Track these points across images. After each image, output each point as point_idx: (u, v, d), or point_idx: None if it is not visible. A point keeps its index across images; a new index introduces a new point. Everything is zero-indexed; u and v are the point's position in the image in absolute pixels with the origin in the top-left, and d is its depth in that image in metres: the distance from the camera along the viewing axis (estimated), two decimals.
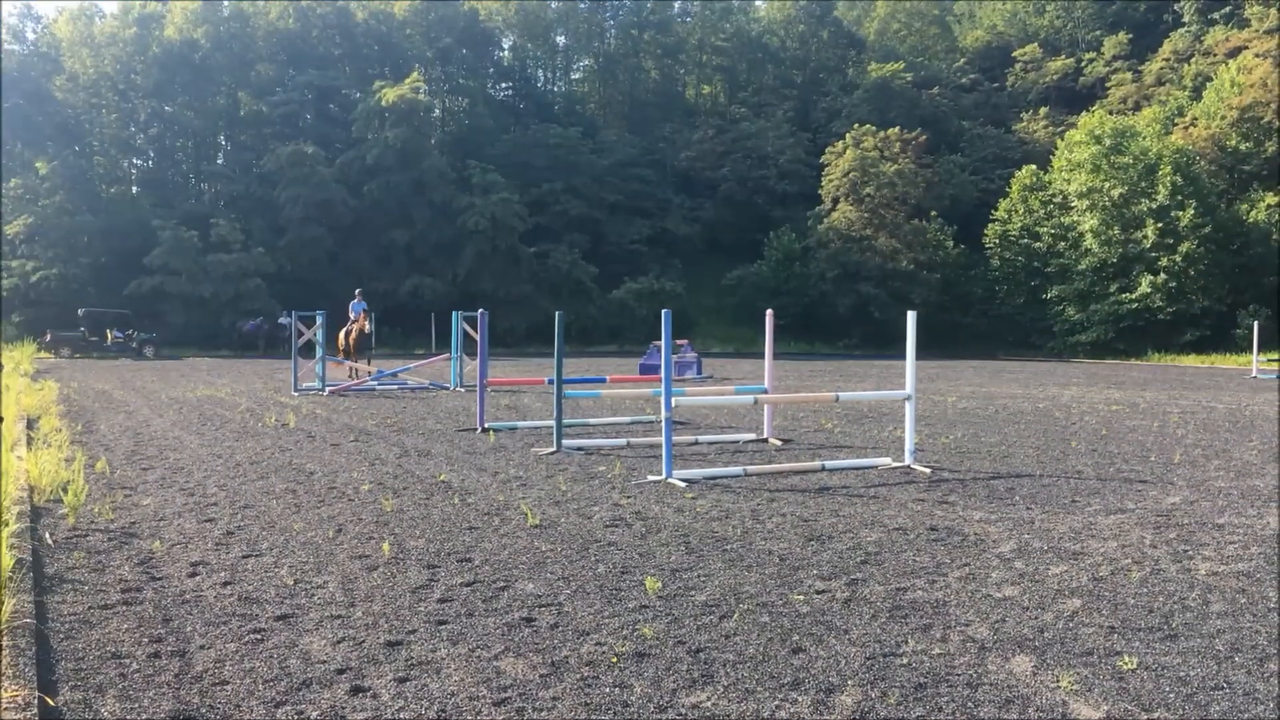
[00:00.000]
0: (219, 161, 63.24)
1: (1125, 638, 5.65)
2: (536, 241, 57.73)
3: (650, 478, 10.99)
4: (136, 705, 4.61)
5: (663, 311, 11.35)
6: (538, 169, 60.82)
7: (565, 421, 14.12)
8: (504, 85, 75.03)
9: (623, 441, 14.02)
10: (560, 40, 77.96)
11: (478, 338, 16.52)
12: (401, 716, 4.49)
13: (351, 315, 26.97)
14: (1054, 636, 5.66)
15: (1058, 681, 4.95)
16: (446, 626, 5.75)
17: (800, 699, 4.71)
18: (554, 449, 13.18)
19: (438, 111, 68.39)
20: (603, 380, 18.77)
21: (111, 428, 15.79)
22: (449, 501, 9.57)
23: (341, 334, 26.90)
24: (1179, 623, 5.94)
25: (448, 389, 24.39)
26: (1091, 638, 5.64)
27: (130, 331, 43.67)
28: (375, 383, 24.39)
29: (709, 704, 4.63)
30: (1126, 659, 5.27)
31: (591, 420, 16.76)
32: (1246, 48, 60.37)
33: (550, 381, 14.42)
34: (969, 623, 5.91)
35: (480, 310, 17.07)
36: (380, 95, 57.67)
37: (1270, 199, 50.82)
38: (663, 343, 11.23)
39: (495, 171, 57.68)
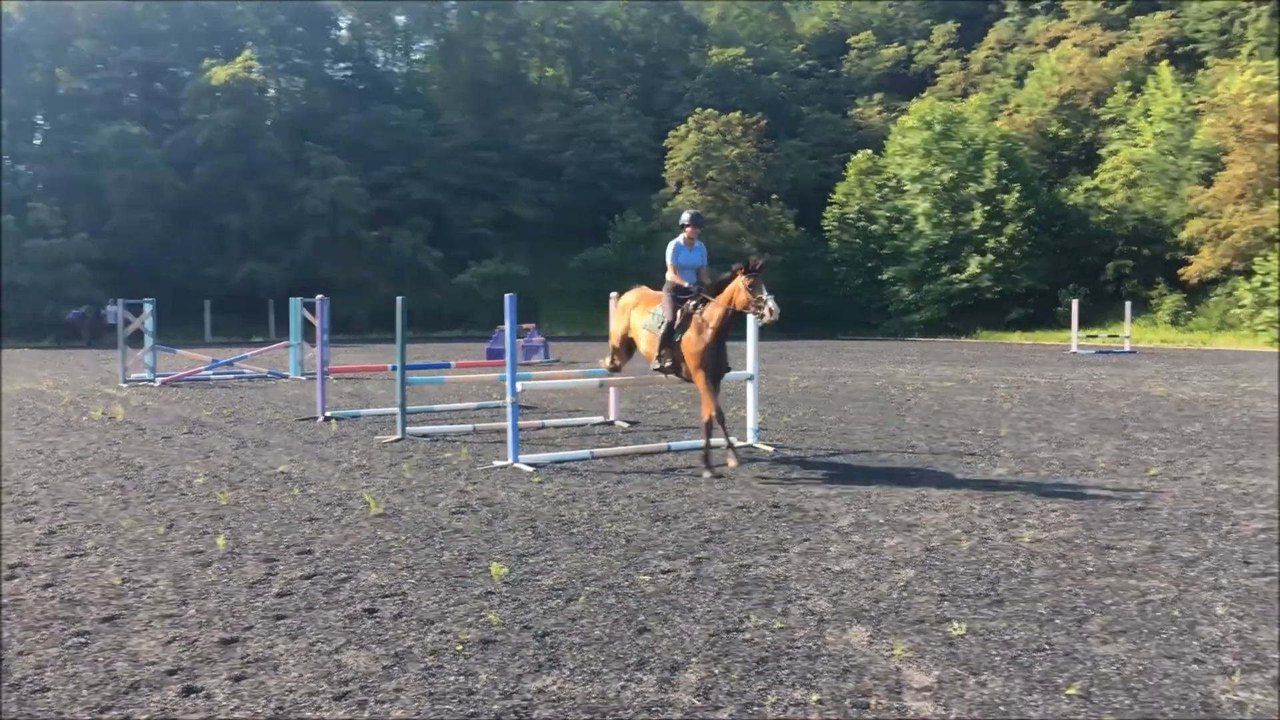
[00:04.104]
0: (36, 142, 59.63)
1: (955, 605, 5.89)
2: (378, 225, 56.46)
3: (497, 463, 10.91)
4: None
5: (506, 296, 11.26)
6: (378, 151, 59.42)
7: (410, 408, 13.89)
8: (342, 65, 72.86)
9: (469, 427, 13.89)
10: (400, 20, 76.23)
11: (317, 324, 16.09)
12: (236, 716, 4.35)
13: None
14: (889, 606, 5.85)
15: (892, 650, 5.12)
16: (285, 621, 5.59)
17: (645, 678, 4.75)
18: (398, 436, 12.95)
19: (272, 91, 65.98)
20: (448, 366, 18.55)
21: None
22: (288, 493, 9.30)
23: None
24: (1005, 588, 6.22)
25: (287, 377, 23.70)
26: (924, 606, 5.86)
27: None
28: (210, 372, 23.50)
29: (555, 688, 4.63)
30: (956, 625, 5.49)
31: (437, 406, 16.54)
32: (1065, 38, 63.37)
33: (393, 368, 14.16)
34: (809, 596, 6.06)
35: (320, 296, 16.62)
36: (210, 74, 55.39)
37: (1088, 183, 53.54)
38: (507, 327, 11.15)
39: (334, 154, 56.11)
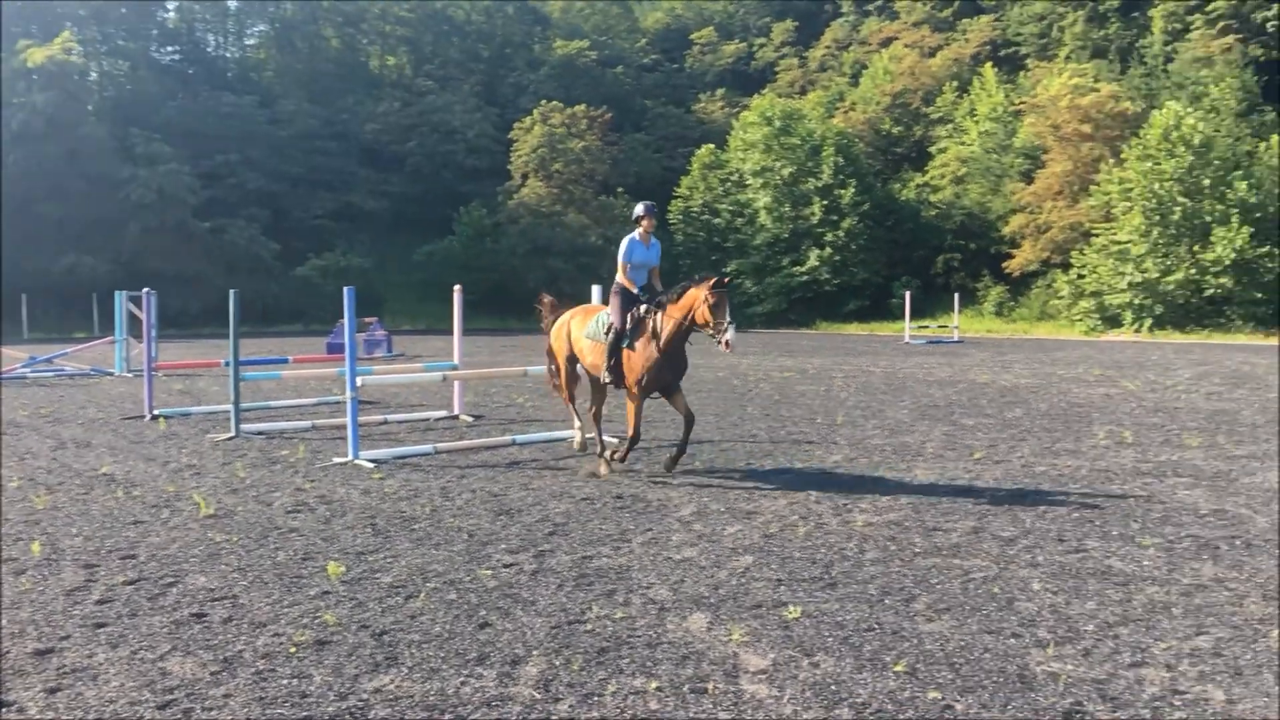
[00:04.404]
0: None
1: (791, 589, 6.04)
2: (211, 216, 54.31)
3: (336, 460, 10.66)
4: None
5: (345, 288, 11.01)
6: (210, 139, 57.15)
7: (244, 405, 13.44)
8: (170, 49, 69.80)
9: (307, 424, 13.53)
10: (232, 4, 73.59)
11: (144, 319, 15.41)
12: None
13: None
14: (728, 593, 5.96)
15: (730, 635, 5.22)
16: (105, 629, 5.34)
17: (485, 673, 4.72)
18: (231, 434, 12.52)
19: (94, 75, 62.88)
20: (285, 361, 18.05)
21: None
22: (111, 495, 8.88)
23: None
24: (838, 571, 6.42)
25: (112, 375, 22.62)
26: (761, 591, 5.99)
27: None
28: (28, 370, 22.23)
29: (392, 686, 4.56)
30: (792, 609, 5.63)
31: (274, 403, 16.04)
32: (897, 38, 65.62)
33: (226, 363, 13.67)
34: (650, 585, 6.12)
35: (146, 290, 15.92)
36: (26, 55, 52.33)
37: (919, 179, 55.65)
38: (346, 320, 10.90)
39: (161, 141, 53.70)
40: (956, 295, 40.93)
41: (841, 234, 50.40)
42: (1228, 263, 38.55)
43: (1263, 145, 43.95)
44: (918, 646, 5.09)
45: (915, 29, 66.05)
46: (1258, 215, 39.76)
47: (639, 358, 9.45)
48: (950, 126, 57.13)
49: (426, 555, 6.81)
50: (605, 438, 10.60)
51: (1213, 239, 39.23)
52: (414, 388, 18.29)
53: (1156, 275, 40.12)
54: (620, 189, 58.84)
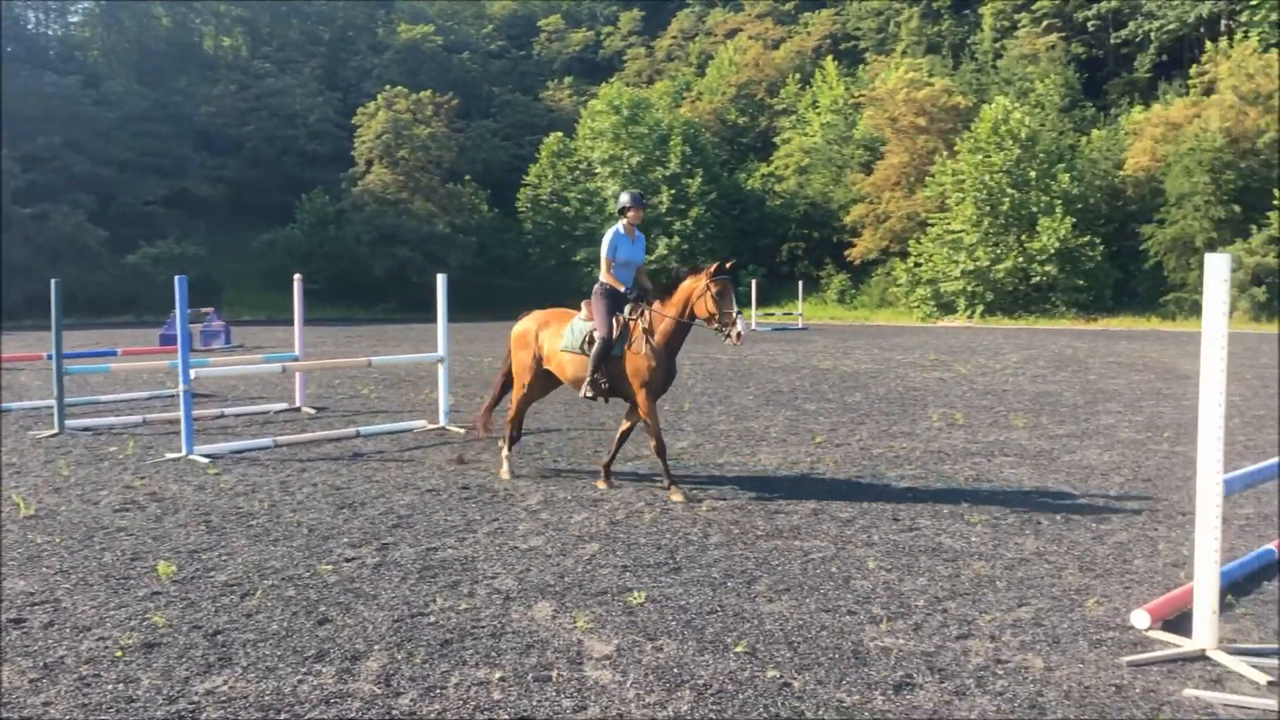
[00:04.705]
0: None
1: (636, 575, 6.09)
2: (32, 202, 51.44)
3: (169, 455, 10.25)
4: None
5: (177, 277, 10.59)
6: (30, 121, 53.98)
7: (69, 400, 12.80)
8: None
9: (138, 419, 12.96)
10: None
11: None
12: None
13: None
14: (573, 580, 5.98)
15: (575, 622, 5.24)
16: None
17: (325, 670, 4.62)
18: (55, 431, 11.90)
19: None
20: (114, 354, 17.22)
21: None
22: None
23: None
24: (683, 556, 6.51)
25: None
26: (606, 578, 6.03)
27: None
28: None
29: (225, 688, 4.42)
30: (636, 594, 5.68)
31: (103, 397, 15.30)
32: (742, 30, 66.71)
33: (49, 356, 12.98)
34: (496, 575, 6.09)
35: None
36: None
37: (764, 169, 56.74)
38: (178, 310, 10.48)
39: None
40: (801, 283, 41.95)
41: (689, 223, 51.00)
42: (1052, 251, 40.54)
43: (1084, 139, 46.40)
44: (758, 627, 5.20)
45: (759, 21, 67.26)
46: (1079, 206, 41.95)
47: (640, 358, 8.35)
48: (794, 118, 58.46)
49: (264, 551, 6.62)
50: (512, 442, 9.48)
51: (1039, 229, 41.19)
52: (253, 380, 17.74)
53: (987, 264, 41.92)
54: (468, 176, 58.21)
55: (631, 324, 8.51)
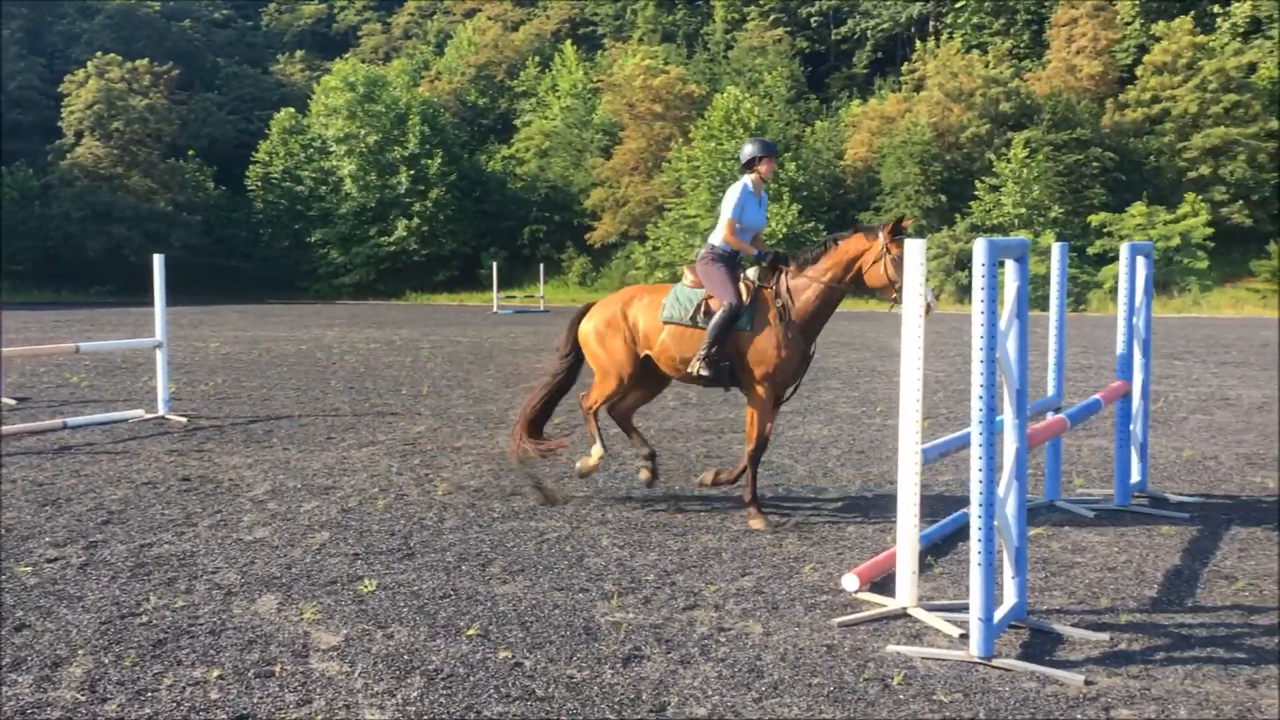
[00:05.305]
0: None
1: (368, 562, 5.97)
2: None
3: None
4: None
5: None
6: None
7: None
8: None
9: None
10: None
11: None
12: None
13: None
14: (301, 571, 5.80)
15: (301, 614, 5.08)
16: None
17: (21, 679, 4.29)
18: None
19: None
20: None
21: None
22: None
23: None
24: (417, 541, 6.43)
25: None
26: (336, 567, 5.88)
27: None
28: None
29: None
30: (367, 582, 5.57)
31: None
32: (480, 10, 66.12)
33: None
34: (217, 570, 5.83)
35: None
36: None
37: (505, 151, 56.54)
38: None
39: None
40: (542, 266, 42.13)
41: (429, 204, 50.17)
42: (780, 236, 42.48)
43: (809, 130, 48.82)
44: (492, 609, 5.21)
45: (498, 2, 66.84)
46: (804, 194, 44.14)
47: (767, 340, 6.94)
48: (534, 100, 58.48)
49: None
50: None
51: (768, 214, 43.05)
52: None
53: None
54: (191, 151, 55.03)
55: (765, 290, 7.10)
